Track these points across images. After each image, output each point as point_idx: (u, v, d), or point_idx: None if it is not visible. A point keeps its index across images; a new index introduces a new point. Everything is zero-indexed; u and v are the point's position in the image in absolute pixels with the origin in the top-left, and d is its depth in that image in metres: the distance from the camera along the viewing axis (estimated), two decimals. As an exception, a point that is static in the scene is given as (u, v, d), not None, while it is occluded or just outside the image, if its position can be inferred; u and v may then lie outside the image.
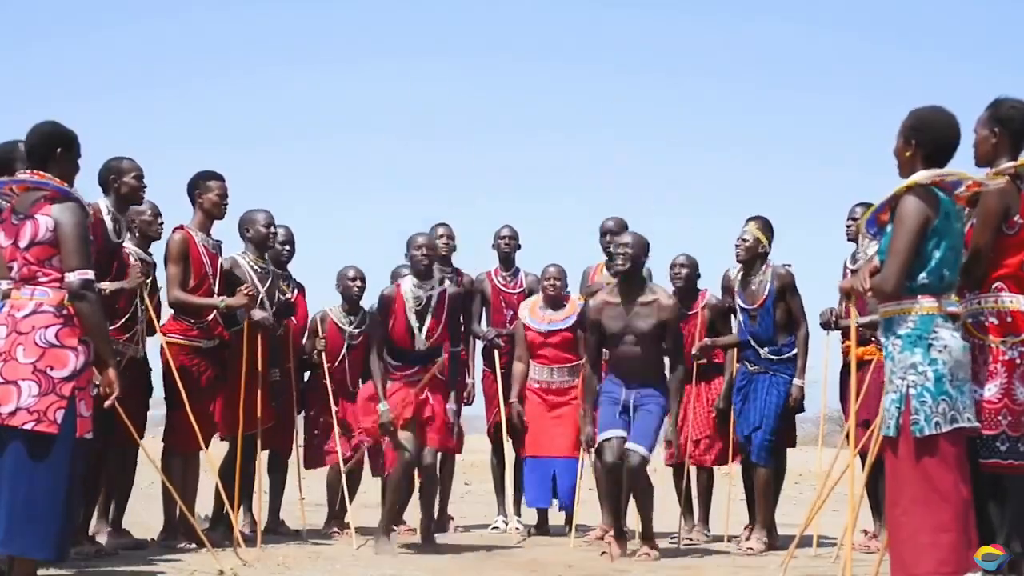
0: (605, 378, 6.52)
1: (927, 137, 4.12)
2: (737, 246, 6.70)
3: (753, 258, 6.68)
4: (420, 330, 6.41)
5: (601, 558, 6.27)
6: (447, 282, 6.61)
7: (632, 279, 6.34)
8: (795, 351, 6.66)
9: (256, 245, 6.72)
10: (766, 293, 6.62)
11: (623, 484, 6.30)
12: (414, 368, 6.46)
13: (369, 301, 7.65)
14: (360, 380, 7.45)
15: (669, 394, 6.36)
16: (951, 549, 3.89)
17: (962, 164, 4.28)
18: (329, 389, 7.12)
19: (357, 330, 7.38)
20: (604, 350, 6.56)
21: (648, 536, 6.31)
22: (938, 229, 4.00)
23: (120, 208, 5.90)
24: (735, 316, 6.89)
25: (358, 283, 7.40)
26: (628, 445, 6.19)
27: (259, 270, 6.67)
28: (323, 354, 7.20)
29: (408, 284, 6.45)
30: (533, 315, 7.43)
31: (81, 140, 4.64)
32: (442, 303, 6.46)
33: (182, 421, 5.99)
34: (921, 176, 4.04)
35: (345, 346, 7.36)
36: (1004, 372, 4.11)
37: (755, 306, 6.65)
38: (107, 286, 5.62)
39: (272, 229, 6.78)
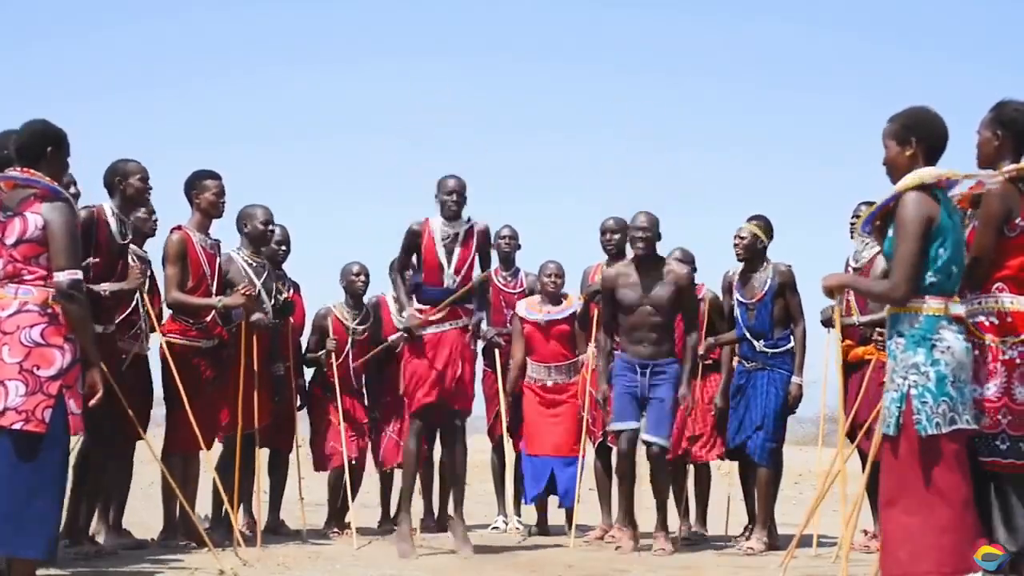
0: (618, 359, 6.58)
1: (925, 134, 4.12)
2: (736, 244, 6.73)
3: (753, 255, 6.71)
4: (449, 263, 6.33)
5: (602, 556, 6.26)
6: (474, 219, 6.50)
7: (650, 258, 6.54)
8: (791, 345, 6.69)
9: (252, 241, 6.72)
10: (766, 288, 6.66)
11: (635, 473, 6.42)
12: (443, 313, 6.32)
13: (371, 295, 7.69)
14: (364, 376, 7.48)
15: (682, 361, 6.52)
16: (951, 550, 3.89)
17: (965, 165, 4.30)
18: (336, 387, 7.14)
19: (361, 326, 7.42)
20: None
21: (663, 526, 6.41)
22: (943, 228, 3.99)
23: (125, 210, 5.90)
24: (734, 312, 6.90)
25: (362, 279, 7.44)
26: (645, 437, 6.37)
27: (255, 265, 6.67)
28: (332, 355, 7.22)
29: (437, 221, 6.40)
30: (531, 308, 7.45)
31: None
32: (471, 236, 6.39)
33: (182, 421, 5.99)
34: (925, 175, 4.02)
35: (349, 341, 7.39)
36: (1004, 371, 4.11)
37: (753, 300, 6.68)
38: (107, 287, 5.62)
39: (270, 226, 6.78)
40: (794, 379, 6.67)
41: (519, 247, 7.94)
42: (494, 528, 7.78)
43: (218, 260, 6.40)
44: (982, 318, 4.17)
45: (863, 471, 5.56)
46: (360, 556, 6.19)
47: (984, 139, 4.30)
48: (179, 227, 6.30)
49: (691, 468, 7.27)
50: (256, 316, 6.40)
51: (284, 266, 7.37)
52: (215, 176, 6.40)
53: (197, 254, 6.26)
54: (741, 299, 6.76)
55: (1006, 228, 4.17)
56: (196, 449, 6.13)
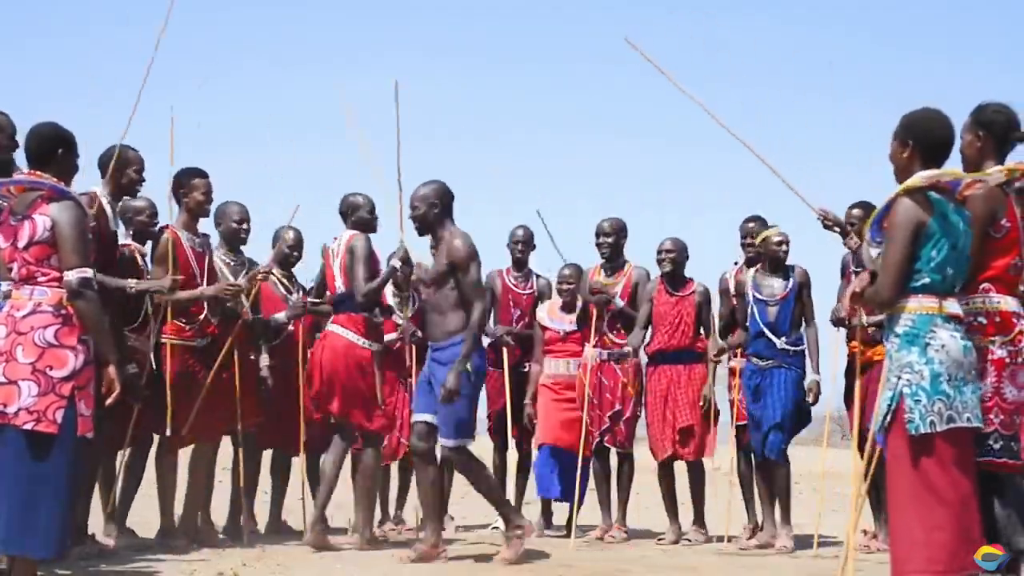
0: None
1: (920, 135, 4.15)
2: (748, 244, 6.89)
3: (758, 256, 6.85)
4: (336, 271, 6.45)
5: (602, 556, 6.26)
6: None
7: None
8: (804, 345, 6.79)
9: (226, 239, 6.71)
10: (788, 288, 6.76)
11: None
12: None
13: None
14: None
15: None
16: (942, 548, 3.89)
17: (958, 166, 4.33)
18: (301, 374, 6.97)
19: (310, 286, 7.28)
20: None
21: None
22: (934, 230, 4.01)
23: (115, 197, 5.90)
24: (749, 311, 6.90)
25: (295, 254, 7.33)
26: (441, 441, 5.94)
27: (231, 263, 6.66)
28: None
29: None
30: (552, 316, 7.49)
31: (79, 140, 4.67)
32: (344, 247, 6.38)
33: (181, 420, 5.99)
34: (917, 179, 4.05)
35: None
36: (994, 371, 4.13)
37: (776, 297, 6.74)
38: (134, 283, 5.67)
39: (245, 225, 6.74)
40: (813, 376, 6.76)
41: (534, 248, 7.89)
42: (494, 528, 7.76)
43: (207, 258, 6.38)
44: (971, 318, 4.19)
45: (862, 471, 5.55)
46: (360, 556, 6.18)
47: (966, 142, 4.35)
48: (167, 226, 6.29)
49: (682, 466, 7.25)
50: (283, 316, 6.60)
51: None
52: (203, 175, 6.37)
53: (185, 253, 6.23)
54: (759, 296, 6.79)
55: (991, 229, 4.20)
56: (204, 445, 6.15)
